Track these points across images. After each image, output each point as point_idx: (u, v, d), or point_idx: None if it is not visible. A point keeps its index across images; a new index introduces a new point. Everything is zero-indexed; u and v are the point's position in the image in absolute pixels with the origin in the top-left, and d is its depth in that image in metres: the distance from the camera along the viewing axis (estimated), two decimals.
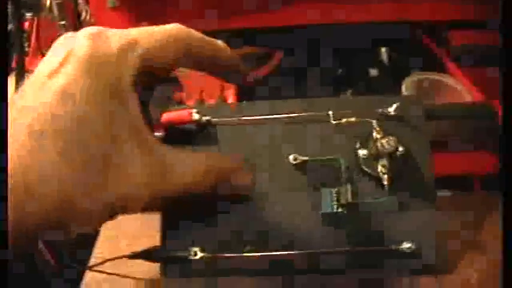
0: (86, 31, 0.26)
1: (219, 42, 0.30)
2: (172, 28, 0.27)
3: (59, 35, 0.27)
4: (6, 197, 0.21)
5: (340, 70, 0.54)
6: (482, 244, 0.39)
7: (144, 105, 0.28)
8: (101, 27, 0.26)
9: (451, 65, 0.50)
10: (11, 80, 0.65)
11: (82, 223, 0.24)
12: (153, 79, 0.29)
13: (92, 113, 0.24)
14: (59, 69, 0.24)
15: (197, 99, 0.48)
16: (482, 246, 0.39)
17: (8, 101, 0.24)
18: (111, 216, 0.25)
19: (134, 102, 0.26)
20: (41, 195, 0.22)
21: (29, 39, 0.78)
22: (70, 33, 0.27)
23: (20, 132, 0.22)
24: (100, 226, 0.26)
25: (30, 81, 0.25)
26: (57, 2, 0.59)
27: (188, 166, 0.27)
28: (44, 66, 0.25)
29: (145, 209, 0.26)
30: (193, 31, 0.28)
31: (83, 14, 0.65)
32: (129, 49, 0.26)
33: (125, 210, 0.25)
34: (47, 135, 0.22)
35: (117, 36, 0.26)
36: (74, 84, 0.24)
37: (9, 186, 0.21)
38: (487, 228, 0.40)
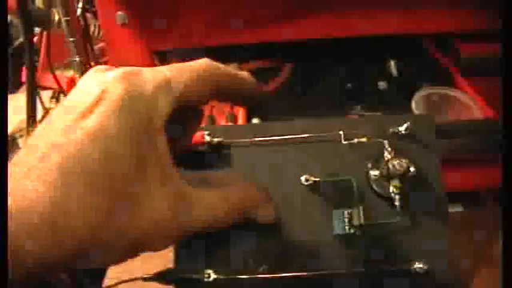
0: (120, 70, 0.26)
1: (246, 75, 0.30)
2: (202, 64, 0.28)
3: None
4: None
5: (349, 84, 0.54)
6: (496, 261, 0.39)
7: (172, 139, 0.28)
8: (134, 68, 0.26)
9: (460, 79, 0.50)
10: (23, 95, 0.66)
11: (106, 258, 0.25)
12: (183, 115, 0.29)
13: (122, 153, 0.24)
14: (92, 109, 0.24)
15: (208, 116, 0.48)
16: (496, 264, 0.38)
17: (35, 133, 0.24)
18: (136, 253, 0.26)
19: (163, 141, 0.26)
20: (66, 231, 0.22)
21: (38, 54, 0.79)
22: (102, 67, 0.27)
23: (50, 170, 0.22)
24: (123, 261, 0.26)
25: (59, 115, 0.25)
26: (65, 18, 0.59)
27: (213, 203, 0.28)
28: (76, 103, 0.25)
29: (169, 245, 0.27)
30: (221, 66, 0.28)
31: (92, 29, 0.66)
32: (162, 90, 0.26)
33: (150, 247, 0.26)
34: (77, 174, 0.23)
35: (150, 76, 0.26)
36: (107, 125, 0.24)
37: (36, 223, 0.21)
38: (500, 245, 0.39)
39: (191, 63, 0.27)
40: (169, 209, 0.25)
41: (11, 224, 0.21)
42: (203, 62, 0.28)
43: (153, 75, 0.26)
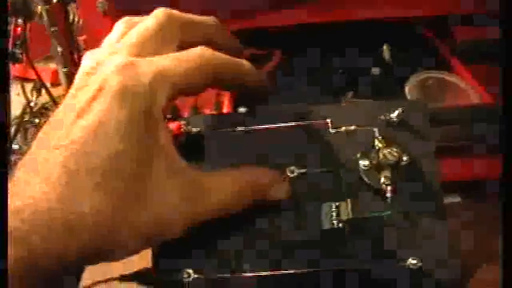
0: (116, 61, 0.25)
1: (245, 62, 0.30)
2: (198, 53, 0.27)
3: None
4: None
5: (341, 70, 0.52)
6: (496, 254, 0.37)
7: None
8: (130, 58, 0.26)
9: (456, 63, 0.48)
10: None
11: (119, 254, 0.25)
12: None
13: (126, 147, 0.24)
14: (90, 105, 0.24)
15: (192, 107, 0.46)
16: (497, 257, 0.36)
17: (39, 134, 0.25)
18: (150, 245, 0.27)
19: (164, 130, 0.26)
20: (80, 231, 0.23)
21: (21, 47, 0.77)
22: (94, 57, 0.27)
23: (54, 171, 0.23)
24: (136, 254, 0.26)
25: (57, 118, 0.25)
26: (46, 7, 0.57)
27: (222, 188, 0.28)
28: (72, 102, 0.25)
29: (182, 234, 0.27)
30: (219, 54, 0.28)
31: (73, 18, 0.64)
32: (159, 80, 0.25)
33: (162, 237, 0.26)
34: (83, 172, 0.23)
35: (146, 67, 0.25)
36: (107, 120, 0.24)
37: (49, 224, 0.22)
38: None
39: (187, 52, 0.27)
40: (181, 199, 0.26)
41: (22, 225, 0.21)
42: (199, 51, 0.27)
43: (149, 67, 0.25)
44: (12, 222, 0.21)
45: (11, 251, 0.21)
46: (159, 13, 0.28)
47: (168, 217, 0.25)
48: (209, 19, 0.31)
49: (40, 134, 0.25)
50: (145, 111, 0.25)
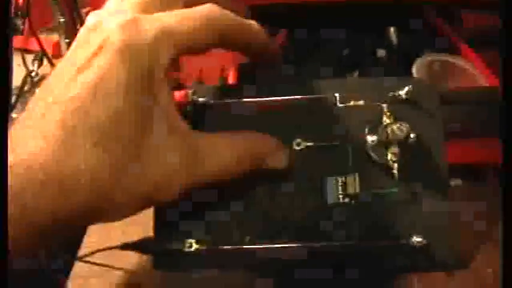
0: (119, 18, 0.25)
1: (254, 23, 0.29)
2: (205, 11, 0.26)
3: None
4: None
5: (346, 50, 0.51)
6: (496, 237, 0.37)
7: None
8: (134, 16, 0.25)
9: (464, 47, 0.48)
10: None
11: (115, 215, 0.25)
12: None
13: (125, 106, 0.23)
14: (91, 62, 0.24)
15: (195, 80, 0.45)
16: (497, 239, 0.37)
17: (37, 91, 0.24)
18: (147, 206, 0.26)
19: (166, 90, 0.25)
20: (75, 189, 0.22)
21: (23, 17, 0.76)
22: (97, 16, 0.26)
23: (51, 127, 0.22)
24: (133, 215, 0.26)
25: (56, 74, 0.24)
26: None
27: (222, 151, 0.27)
28: (73, 58, 0.24)
29: (178, 197, 0.26)
30: (227, 13, 0.27)
31: None
32: (163, 38, 0.25)
33: (159, 199, 0.25)
34: (80, 129, 0.22)
35: (149, 24, 0.25)
36: (107, 77, 0.23)
37: (42, 180, 0.21)
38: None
39: (194, 9, 0.26)
40: (180, 161, 0.25)
41: (15, 181, 0.21)
42: (207, 9, 0.26)
43: (152, 24, 0.25)
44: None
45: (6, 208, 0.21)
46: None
47: (165, 179, 0.25)
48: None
49: (38, 90, 0.25)
50: (147, 70, 0.24)
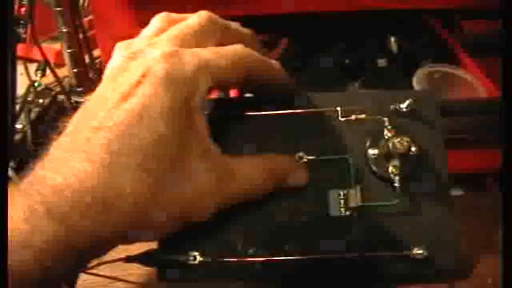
0: (161, 49, 0.26)
1: (275, 62, 0.31)
2: (238, 50, 0.28)
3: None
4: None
5: (347, 60, 0.51)
6: (497, 245, 0.37)
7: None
8: (173, 48, 0.26)
9: (464, 56, 0.48)
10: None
11: (152, 234, 0.27)
12: None
13: (168, 131, 0.25)
14: (135, 90, 0.25)
15: None
16: (497, 248, 0.37)
17: (72, 120, 0.25)
18: (183, 225, 0.27)
19: (202, 119, 0.27)
20: (118, 210, 0.23)
21: (25, 26, 0.77)
22: (132, 46, 0.28)
23: (96, 151, 0.23)
24: (166, 236, 0.27)
25: (97, 100, 0.26)
26: None
27: (250, 172, 0.28)
28: (114, 85, 0.26)
29: (208, 217, 0.27)
30: (255, 53, 0.29)
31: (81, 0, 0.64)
32: (201, 72, 0.26)
33: (193, 218, 0.27)
34: (125, 152, 0.24)
35: (190, 57, 0.26)
36: (152, 104, 0.24)
37: (87, 202, 0.22)
38: None
39: (227, 47, 0.28)
40: (213, 182, 0.27)
41: (65, 203, 0.22)
42: (239, 48, 0.28)
43: (193, 57, 0.26)
44: (51, 198, 0.22)
45: (48, 228, 0.22)
46: (203, 14, 0.29)
47: (200, 199, 0.26)
48: (245, 29, 0.32)
49: (77, 115, 0.26)
50: (187, 98, 0.26)
